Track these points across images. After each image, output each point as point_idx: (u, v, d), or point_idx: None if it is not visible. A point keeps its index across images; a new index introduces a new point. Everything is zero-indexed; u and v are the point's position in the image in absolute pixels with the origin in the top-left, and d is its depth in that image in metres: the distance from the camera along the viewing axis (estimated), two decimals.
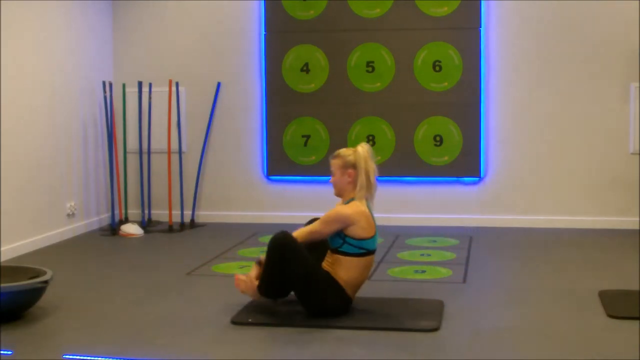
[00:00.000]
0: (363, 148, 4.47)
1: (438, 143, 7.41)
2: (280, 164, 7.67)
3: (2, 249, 6.07)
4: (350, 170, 4.45)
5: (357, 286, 4.49)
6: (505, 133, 7.39)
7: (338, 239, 4.41)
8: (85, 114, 7.35)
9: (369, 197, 4.49)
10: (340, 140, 7.51)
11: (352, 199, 4.45)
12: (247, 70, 7.71)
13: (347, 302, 4.46)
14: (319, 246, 4.51)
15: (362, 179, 4.43)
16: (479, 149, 7.37)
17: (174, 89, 7.65)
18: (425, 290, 5.08)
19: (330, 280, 4.38)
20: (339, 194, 4.54)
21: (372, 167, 4.46)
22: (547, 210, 7.34)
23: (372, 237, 4.45)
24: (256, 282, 4.51)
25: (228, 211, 7.80)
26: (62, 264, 5.86)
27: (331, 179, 4.54)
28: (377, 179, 4.50)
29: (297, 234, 4.44)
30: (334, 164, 4.51)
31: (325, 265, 4.48)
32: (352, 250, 4.39)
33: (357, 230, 4.37)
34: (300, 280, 4.34)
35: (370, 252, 4.46)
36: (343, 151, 4.53)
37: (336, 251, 4.43)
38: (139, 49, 7.83)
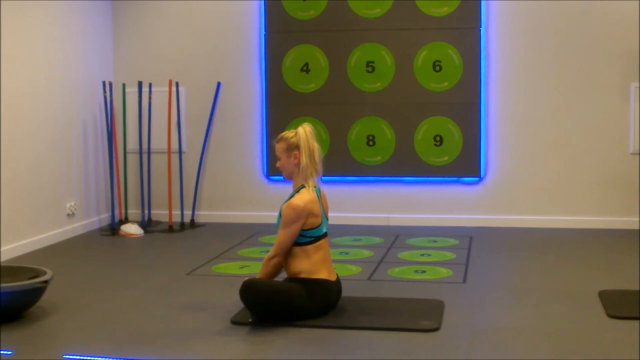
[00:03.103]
0: (304, 128, 4.50)
1: (438, 143, 7.41)
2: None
3: (2, 249, 6.07)
4: (296, 152, 4.47)
5: (324, 264, 4.47)
6: (505, 133, 7.39)
7: None
8: (85, 114, 7.35)
9: (314, 176, 4.50)
10: (340, 140, 7.51)
11: (302, 187, 4.46)
12: (247, 70, 7.71)
13: (331, 287, 4.45)
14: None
15: (304, 160, 4.44)
16: (479, 149, 7.37)
17: (174, 89, 7.65)
18: (425, 290, 5.08)
19: (305, 285, 4.37)
20: (288, 176, 4.55)
21: (316, 147, 4.49)
22: (547, 210, 7.34)
23: (319, 225, 4.46)
24: None
25: (228, 211, 7.80)
26: (62, 264, 5.86)
27: (277, 163, 4.57)
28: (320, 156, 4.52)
29: (273, 251, 4.43)
30: (279, 148, 4.53)
31: (285, 266, 4.50)
32: (303, 240, 4.42)
33: (310, 220, 4.41)
34: (284, 311, 4.35)
35: (319, 238, 4.47)
36: (286, 134, 4.55)
37: None
38: (139, 49, 7.83)
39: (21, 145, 6.38)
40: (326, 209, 4.59)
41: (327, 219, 4.58)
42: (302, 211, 4.38)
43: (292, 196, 4.47)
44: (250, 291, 4.32)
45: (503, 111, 7.38)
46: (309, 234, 4.43)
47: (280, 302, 4.32)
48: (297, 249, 4.44)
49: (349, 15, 7.46)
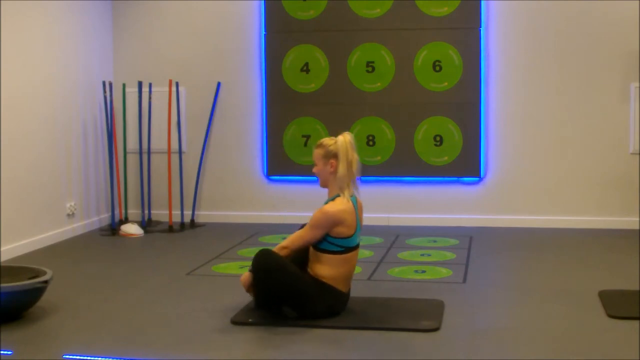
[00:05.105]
0: (345, 138, 4.43)
1: (438, 143, 7.41)
2: (280, 164, 7.68)
3: (2, 249, 6.07)
4: (332, 161, 4.40)
5: (345, 279, 4.45)
6: (505, 133, 7.39)
7: None
8: (85, 114, 7.35)
9: (352, 186, 4.43)
10: None
11: (337, 195, 4.40)
12: (247, 70, 7.71)
13: (342, 298, 4.44)
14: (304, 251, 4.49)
15: (342, 169, 4.38)
16: (479, 149, 7.37)
17: (174, 89, 7.65)
18: (425, 290, 5.08)
19: (318, 285, 4.35)
20: (323, 184, 4.50)
21: (355, 158, 4.41)
22: (547, 210, 7.34)
23: (353, 235, 4.41)
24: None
25: (228, 211, 7.80)
26: (62, 264, 5.86)
27: (314, 169, 4.51)
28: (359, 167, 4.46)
29: (287, 242, 4.41)
30: (316, 153, 4.47)
31: (309, 264, 4.46)
32: (332, 248, 4.36)
33: (341, 229, 4.34)
34: (288, 294, 4.34)
35: (350, 249, 4.42)
36: (325, 140, 4.49)
37: (317, 248, 4.41)
38: (139, 49, 7.83)
39: (21, 145, 6.38)
40: (361, 219, 4.52)
41: (361, 230, 4.50)
42: (330, 218, 4.31)
43: (326, 203, 4.42)
44: (266, 258, 4.27)
45: (503, 111, 7.38)
46: (339, 242, 4.35)
47: (288, 283, 4.27)
48: (325, 256, 4.36)
49: (349, 15, 7.46)
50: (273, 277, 4.28)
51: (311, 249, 4.44)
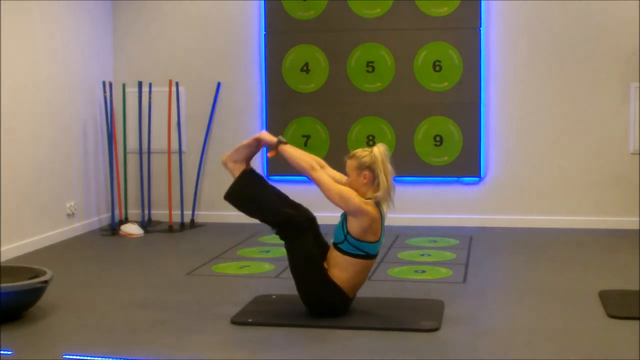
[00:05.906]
0: (379, 149, 4.36)
1: (438, 143, 7.41)
2: (280, 164, 7.66)
3: (2, 249, 6.07)
4: (366, 172, 4.35)
5: (354, 287, 4.44)
6: (505, 133, 7.39)
7: (341, 234, 4.36)
8: (85, 114, 7.35)
9: (388, 200, 4.40)
10: (340, 140, 7.51)
11: (368, 198, 4.36)
12: (247, 70, 7.71)
13: (346, 302, 4.44)
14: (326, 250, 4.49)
15: (383, 180, 4.32)
16: (479, 149, 7.37)
17: (174, 89, 7.65)
18: (425, 290, 5.08)
19: (329, 279, 4.34)
20: None
21: (389, 169, 4.36)
22: (547, 210, 7.34)
23: (376, 242, 4.38)
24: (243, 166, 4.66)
25: (228, 211, 7.75)
26: (62, 264, 5.86)
27: (346, 179, 4.46)
28: (394, 180, 4.42)
29: (318, 168, 4.43)
30: (349, 164, 4.41)
31: (326, 262, 4.44)
32: (350, 249, 4.34)
33: (354, 225, 4.31)
34: (298, 265, 4.34)
35: (369, 256, 4.40)
36: (359, 152, 4.42)
37: (336, 247, 4.38)
38: (139, 49, 7.83)
39: (21, 145, 6.37)
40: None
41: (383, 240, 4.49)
42: (356, 205, 4.25)
43: None
44: (303, 226, 4.35)
45: (503, 111, 7.39)
46: (362, 246, 4.33)
47: (307, 247, 4.34)
48: (346, 259, 4.33)
49: (349, 15, 7.46)
50: (294, 238, 4.34)
51: (332, 250, 4.42)
